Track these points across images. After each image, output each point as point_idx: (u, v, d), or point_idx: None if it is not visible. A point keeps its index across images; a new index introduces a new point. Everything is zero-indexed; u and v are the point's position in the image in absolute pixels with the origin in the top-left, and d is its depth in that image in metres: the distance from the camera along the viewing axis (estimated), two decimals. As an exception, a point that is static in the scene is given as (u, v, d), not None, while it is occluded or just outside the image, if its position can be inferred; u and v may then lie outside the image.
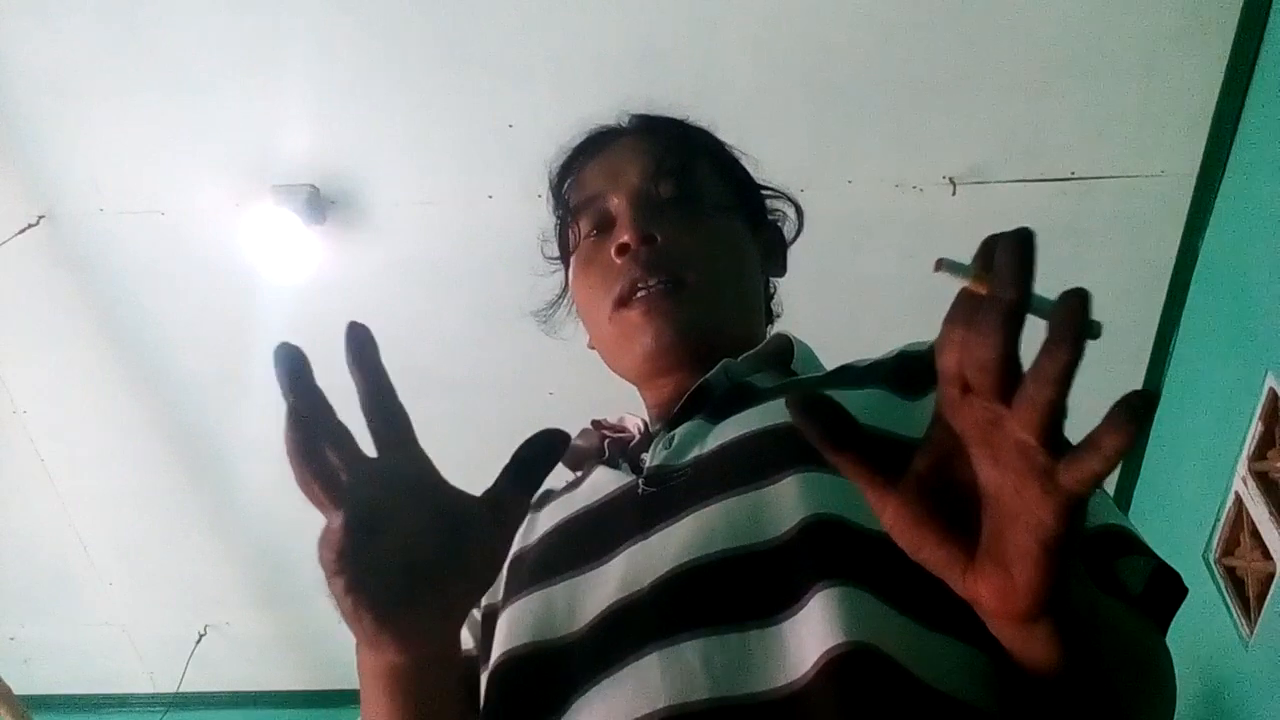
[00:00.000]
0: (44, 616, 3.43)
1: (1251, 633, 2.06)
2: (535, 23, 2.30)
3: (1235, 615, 2.12)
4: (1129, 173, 2.42)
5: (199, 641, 3.44)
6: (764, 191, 0.99)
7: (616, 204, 0.86)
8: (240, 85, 2.41)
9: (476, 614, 0.80)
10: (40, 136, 2.51)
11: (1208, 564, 2.24)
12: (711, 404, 0.76)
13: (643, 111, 0.99)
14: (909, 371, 0.76)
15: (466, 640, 0.80)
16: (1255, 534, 2.08)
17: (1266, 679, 2.00)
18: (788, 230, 1.00)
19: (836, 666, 0.55)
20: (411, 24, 2.32)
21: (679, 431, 0.75)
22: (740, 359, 0.81)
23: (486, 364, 2.79)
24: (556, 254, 0.98)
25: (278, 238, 2.58)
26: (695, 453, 0.72)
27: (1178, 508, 2.50)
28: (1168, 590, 0.66)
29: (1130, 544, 0.66)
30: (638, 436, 0.83)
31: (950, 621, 0.59)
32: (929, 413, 0.71)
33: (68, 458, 3.08)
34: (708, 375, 0.78)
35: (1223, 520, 2.19)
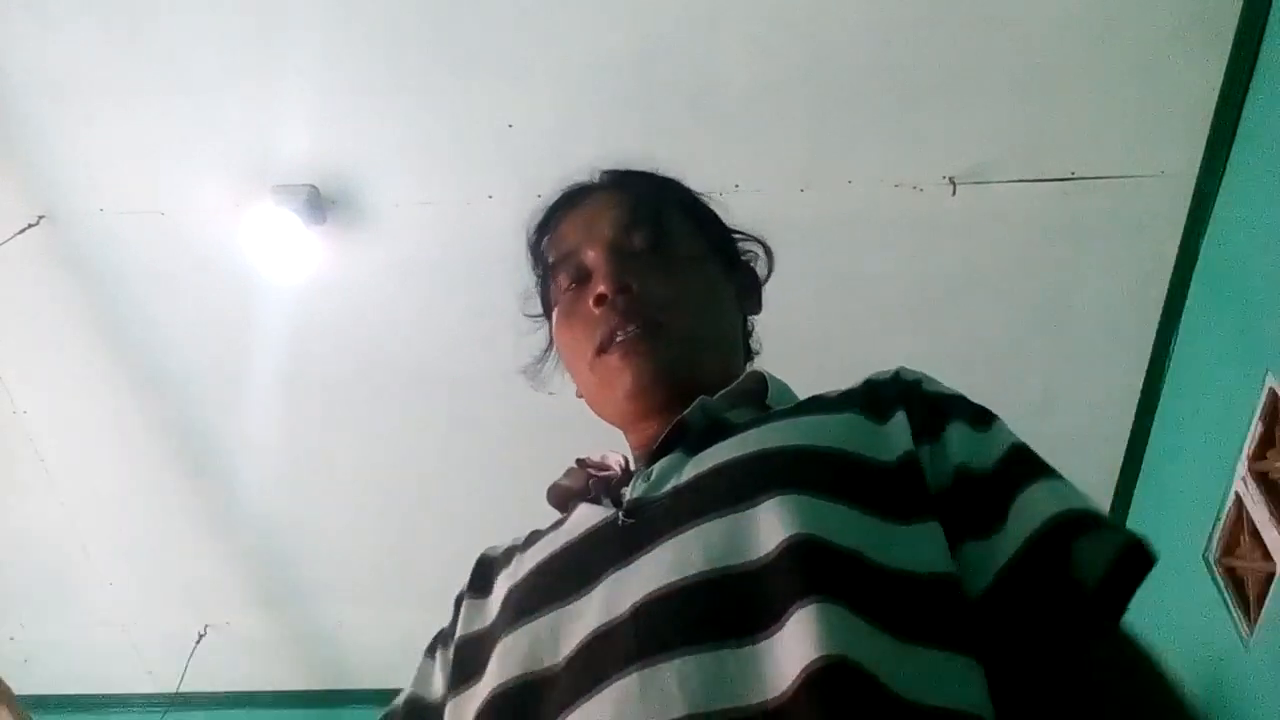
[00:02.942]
0: (44, 616, 3.43)
1: (1251, 633, 2.07)
2: (535, 23, 2.30)
3: (1235, 615, 2.13)
4: (1129, 173, 2.42)
5: (199, 641, 3.44)
6: (735, 235, 1.02)
7: (593, 257, 0.89)
8: (240, 85, 2.41)
9: (448, 653, 0.82)
10: (40, 136, 2.51)
11: (1208, 564, 2.25)
12: (689, 439, 0.78)
13: (613, 167, 1.01)
14: (876, 397, 0.78)
15: (437, 682, 0.83)
16: (1255, 534, 2.08)
17: (1266, 679, 2.00)
18: (760, 270, 1.03)
19: (815, 681, 0.56)
20: (411, 24, 2.32)
21: (657, 466, 0.77)
22: (717, 396, 0.82)
23: (486, 364, 2.79)
24: (538, 311, 1.01)
25: (278, 238, 2.58)
26: (673, 483, 0.74)
27: (1178, 508, 2.50)
28: (1132, 563, 0.66)
29: (1084, 524, 0.66)
30: (619, 473, 0.85)
31: (930, 632, 0.60)
32: (896, 434, 0.72)
33: (68, 458, 3.09)
34: (685, 413, 0.80)
35: (1223, 520, 2.19)
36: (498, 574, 0.84)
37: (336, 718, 3.58)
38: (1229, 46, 2.23)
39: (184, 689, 3.45)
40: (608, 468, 0.87)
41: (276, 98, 2.45)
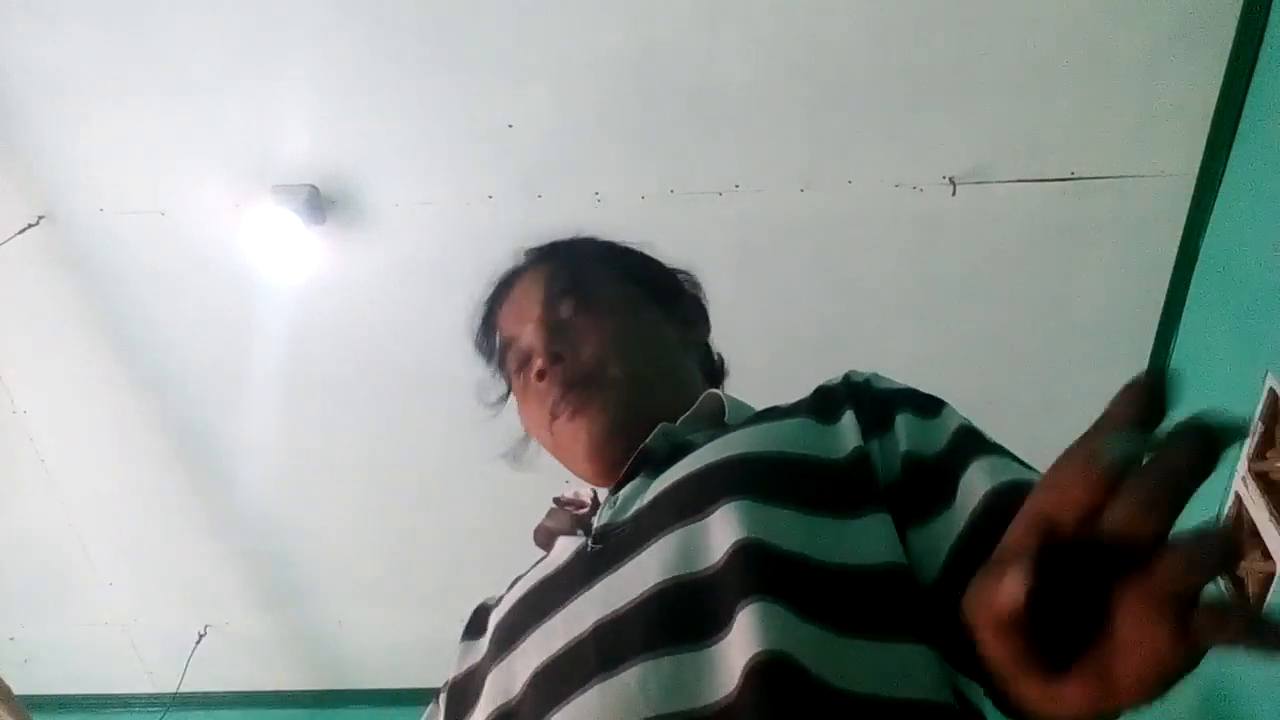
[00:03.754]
0: (44, 616, 3.43)
1: (1251, 633, 2.06)
2: (535, 23, 2.30)
3: (1235, 615, 2.12)
4: (1129, 173, 2.42)
5: (199, 641, 3.44)
6: (668, 270, 1.06)
7: (529, 338, 0.95)
8: (240, 85, 2.42)
9: (444, 697, 0.86)
10: (40, 136, 2.51)
11: (1208, 564, 2.24)
12: (653, 464, 0.82)
13: (535, 244, 1.06)
14: (826, 401, 0.82)
15: None
16: (1255, 534, 2.08)
17: (1266, 679, 2.00)
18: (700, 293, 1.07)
19: (754, 677, 0.58)
20: (411, 24, 2.32)
21: (622, 492, 0.80)
22: (678, 422, 0.86)
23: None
24: (497, 399, 1.07)
25: (278, 238, 2.58)
26: (637, 506, 0.77)
27: (1178, 508, 2.50)
28: None
29: (1021, 490, 0.67)
30: (591, 505, 0.89)
31: (878, 624, 0.62)
32: (845, 432, 0.75)
33: (68, 458, 3.09)
34: (647, 441, 0.83)
35: (1222, 520, 2.19)
36: (490, 616, 0.86)
37: (336, 718, 3.58)
38: (1229, 46, 2.23)
39: (184, 689, 3.45)
40: (584, 503, 0.91)
41: (276, 98, 2.45)
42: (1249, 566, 2.10)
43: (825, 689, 0.58)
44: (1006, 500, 0.65)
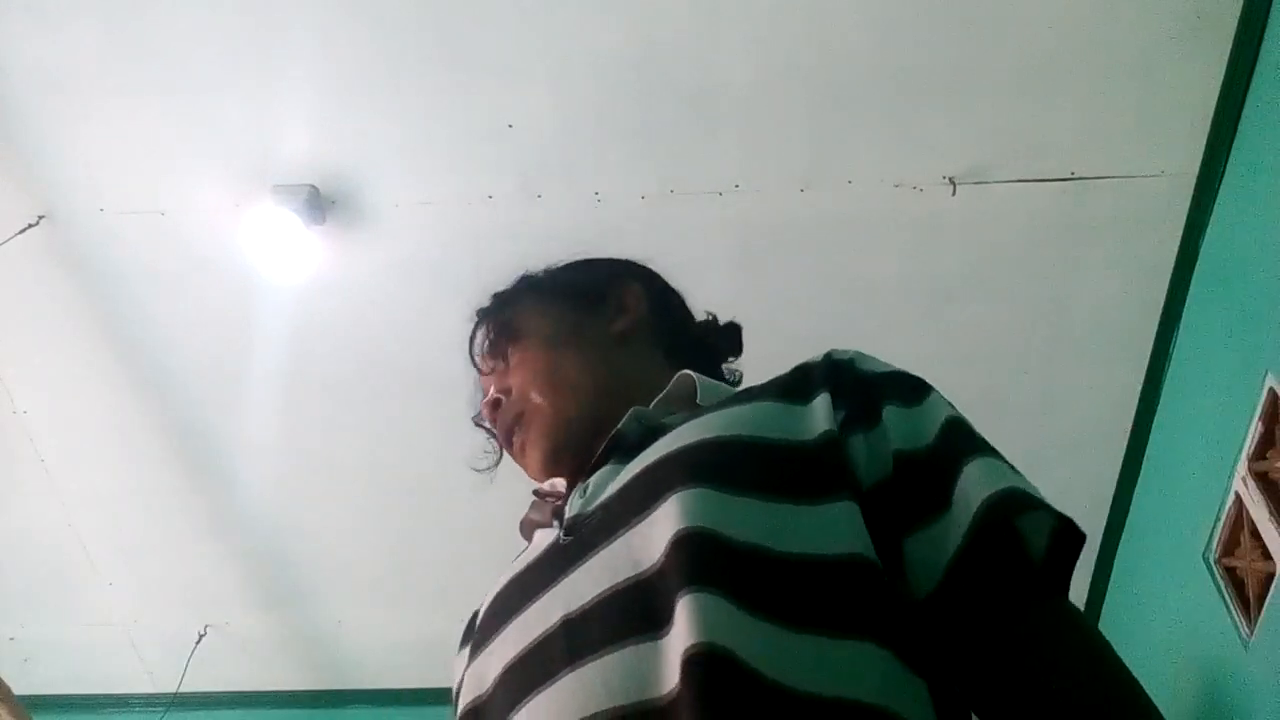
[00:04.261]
0: (44, 616, 3.43)
1: (1251, 633, 2.07)
2: (535, 23, 2.30)
3: (1235, 615, 2.13)
4: (1129, 173, 2.42)
5: (199, 641, 3.44)
6: (589, 273, 1.08)
7: (486, 393, 1.03)
8: (240, 85, 2.42)
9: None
10: (40, 136, 2.51)
11: (1208, 564, 2.25)
12: (624, 448, 0.82)
13: (480, 303, 1.12)
14: (802, 380, 0.81)
15: None
16: (1255, 534, 2.08)
17: (1266, 679, 2.00)
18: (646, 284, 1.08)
19: (691, 667, 0.58)
20: (411, 24, 2.32)
21: (592, 480, 0.81)
22: (651, 405, 0.87)
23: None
24: (487, 466, 1.13)
25: (278, 238, 2.58)
26: (606, 495, 0.77)
27: (1178, 508, 2.50)
28: (1068, 542, 0.70)
29: (1027, 501, 0.68)
30: (566, 495, 0.89)
31: (830, 618, 0.62)
32: (817, 413, 0.75)
33: (68, 458, 3.09)
34: (620, 425, 0.83)
35: (1223, 520, 2.19)
36: (479, 619, 0.87)
37: (336, 718, 3.58)
38: (1229, 46, 2.23)
39: (184, 689, 3.45)
40: (561, 494, 0.91)
41: (276, 98, 2.45)
42: (1249, 566, 2.11)
43: (766, 684, 0.58)
44: (1000, 513, 0.67)
